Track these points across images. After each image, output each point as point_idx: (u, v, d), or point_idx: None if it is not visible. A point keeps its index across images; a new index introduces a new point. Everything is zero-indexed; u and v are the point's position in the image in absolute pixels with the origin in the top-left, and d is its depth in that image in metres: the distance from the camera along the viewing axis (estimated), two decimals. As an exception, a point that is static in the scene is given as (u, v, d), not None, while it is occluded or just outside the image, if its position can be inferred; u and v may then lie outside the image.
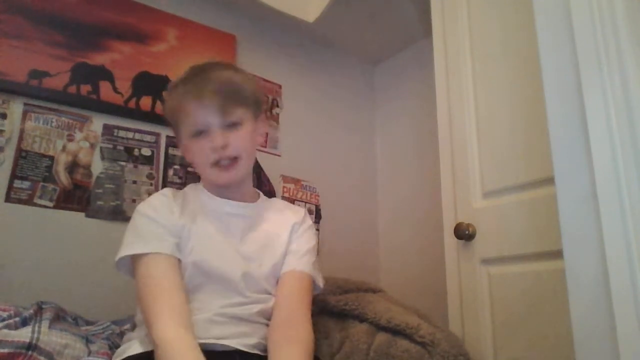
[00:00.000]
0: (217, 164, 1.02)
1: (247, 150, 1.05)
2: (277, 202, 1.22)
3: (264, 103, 1.15)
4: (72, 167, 1.67)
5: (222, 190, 1.08)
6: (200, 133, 1.01)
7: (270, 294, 1.04)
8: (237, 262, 1.01)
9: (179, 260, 0.98)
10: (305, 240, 1.11)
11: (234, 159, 1.02)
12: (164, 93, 1.11)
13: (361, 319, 1.27)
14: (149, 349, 0.91)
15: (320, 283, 1.11)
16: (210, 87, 1.00)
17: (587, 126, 0.93)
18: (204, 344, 0.90)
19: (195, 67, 1.07)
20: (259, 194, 1.18)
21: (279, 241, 1.09)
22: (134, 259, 0.97)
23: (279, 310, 1.01)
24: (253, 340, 0.97)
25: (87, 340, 1.08)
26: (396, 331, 1.20)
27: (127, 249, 0.97)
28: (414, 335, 1.17)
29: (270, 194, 2.09)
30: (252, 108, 1.07)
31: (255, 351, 0.96)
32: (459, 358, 1.16)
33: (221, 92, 1.00)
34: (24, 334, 0.97)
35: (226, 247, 1.02)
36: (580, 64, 0.96)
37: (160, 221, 0.99)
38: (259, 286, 1.02)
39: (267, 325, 1.01)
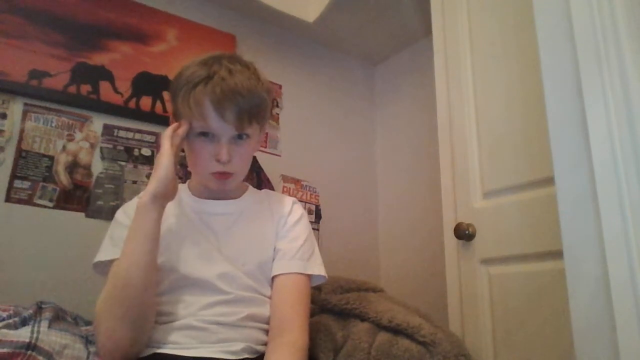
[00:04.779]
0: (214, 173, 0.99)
1: (244, 168, 1.04)
2: (265, 194, 1.16)
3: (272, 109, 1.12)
4: (72, 167, 1.67)
5: (209, 191, 1.06)
6: (206, 134, 0.97)
7: (260, 294, 1.01)
8: (215, 263, 0.98)
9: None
10: (295, 236, 1.06)
11: (231, 173, 1.00)
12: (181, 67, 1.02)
13: (362, 318, 1.27)
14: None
15: (323, 273, 1.07)
16: (233, 99, 0.93)
17: (587, 126, 0.93)
18: (180, 355, 0.88)
19: (217, 60, 0.98)
20: (247, 186, 1.14)
21: (265, 238, 1.05)
22: (110, 264, 0.95)
23: (274, 317, 0.99)
24: (239, 346, 0.93)
25: (87, 341, 1.08)
26: (397, 331, 1.19)
27: (101, 254, 0.97)
28: (415, 335, 1.16)
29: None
30: (263, 121, 1.03)
31: (244, 355, 0.93)
32: (460, 358, 1.16)
33: (242, 108, 0.94)
34: (23, 334, 0.97)
35: (203, 248, 1.00)
36: (580, 64, 0.96)
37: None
38: (242, 283, 0.98)
39: (262, 329, 0.99)
